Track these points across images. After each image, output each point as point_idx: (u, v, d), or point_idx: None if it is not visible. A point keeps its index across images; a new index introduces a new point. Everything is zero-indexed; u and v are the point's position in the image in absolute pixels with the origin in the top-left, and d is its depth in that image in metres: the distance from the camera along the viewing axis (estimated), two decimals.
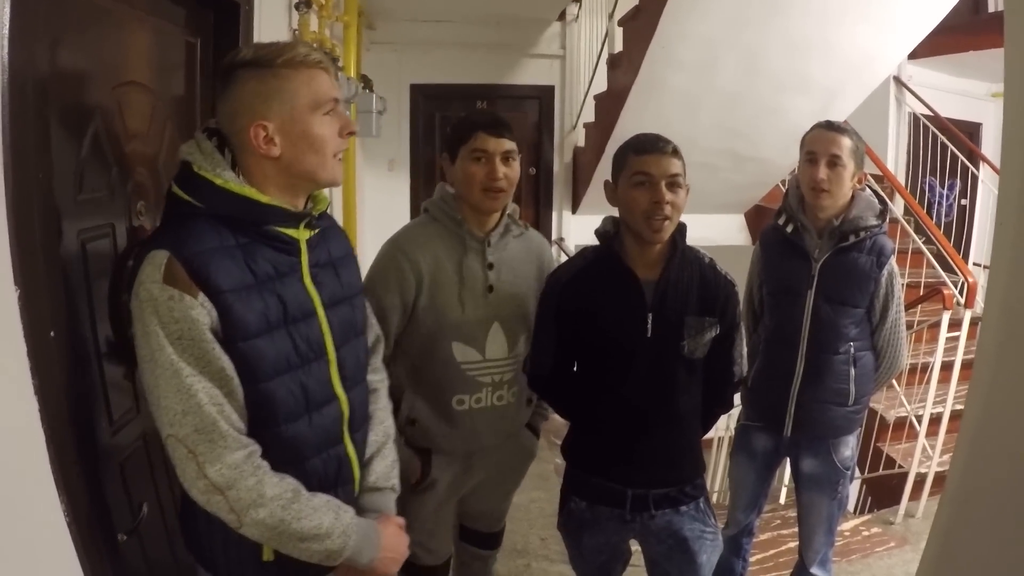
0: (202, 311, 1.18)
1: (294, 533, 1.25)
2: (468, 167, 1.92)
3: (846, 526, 3.59)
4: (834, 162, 2.22)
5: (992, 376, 0.97)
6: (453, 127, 2.02)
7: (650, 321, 1.86)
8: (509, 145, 1.95)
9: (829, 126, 2.28)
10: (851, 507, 4.42)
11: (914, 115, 5.87)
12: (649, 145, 1.83)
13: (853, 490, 4.45)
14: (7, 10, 1.01)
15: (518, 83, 5.74)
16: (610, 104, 4.32)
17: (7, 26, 1.02)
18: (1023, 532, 0.88)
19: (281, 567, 1.33)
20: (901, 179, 6.03)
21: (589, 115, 5.18)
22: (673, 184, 1.80)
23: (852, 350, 2.32)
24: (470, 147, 1.92)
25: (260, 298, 1.27)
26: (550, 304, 1.99)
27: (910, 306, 4.08)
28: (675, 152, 1.83)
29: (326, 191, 1.48)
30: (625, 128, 3.98)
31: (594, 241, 1.97)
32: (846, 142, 2.24)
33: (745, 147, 4.15)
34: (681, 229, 1.90)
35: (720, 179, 4.54)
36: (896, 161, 6.04)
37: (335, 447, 1.42)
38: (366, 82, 4.48)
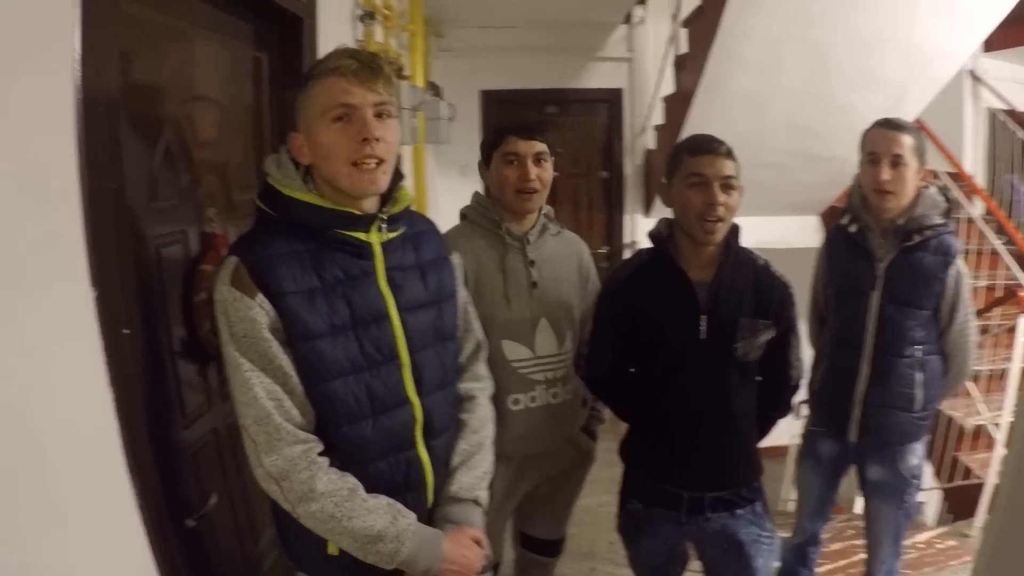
0: (260, 312, 1.25)
1: (346, 531, 1.29)
2: (502, 170, 1.99)
3: (920, 538, 3.46)
4: (897, 162, 2.17)
5: None
6: (488, 134, 2.09)
7: (703, 323, 1.86)
8: (540, 147, 2.00)
9: (889, 124, 2.22)
10: (930, 518, 4.27)
11: (991, 110, 5.62)
12: (703, 146, 1.83)
13: (933, 501, 4.30)
14: (78, 33, 1.11)
15: (587, 87, 5.74)
16: (678, 106, 4.30)
17: (79, 48, 1.11)
18: None
19: (346, 564, 1.35)
20: (979, 177, 5.79)
21: (659, 118, 5.16)
22: (727, 186, 1.80)
23: (919, 353, 2.25)
24: (502, 151, 1.99)
25: (325, 301, 1.31)
26: (606, 305, 2.02)
27: (987, 309, 3.93)
28: (729, 153, 1.83)
29: (409, 190, 1.48)
30: (693, 129, 3.95)
31: None
32: (907, 140, 2.18)
33: (816, 146, 4.06)
34: (735, 230, 1.89)
35: (792, 179, 4.45)
36: (974, 158, 5.77)
37: (405, 452, 1.41)
38: (435, 89, 4.57)
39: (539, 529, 2.35)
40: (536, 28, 5.41)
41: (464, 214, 2.11)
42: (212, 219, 1.77)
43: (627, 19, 5.53)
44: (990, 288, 4.43)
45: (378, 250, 1.38)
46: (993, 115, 5.66)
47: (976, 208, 4.70)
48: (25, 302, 1.07)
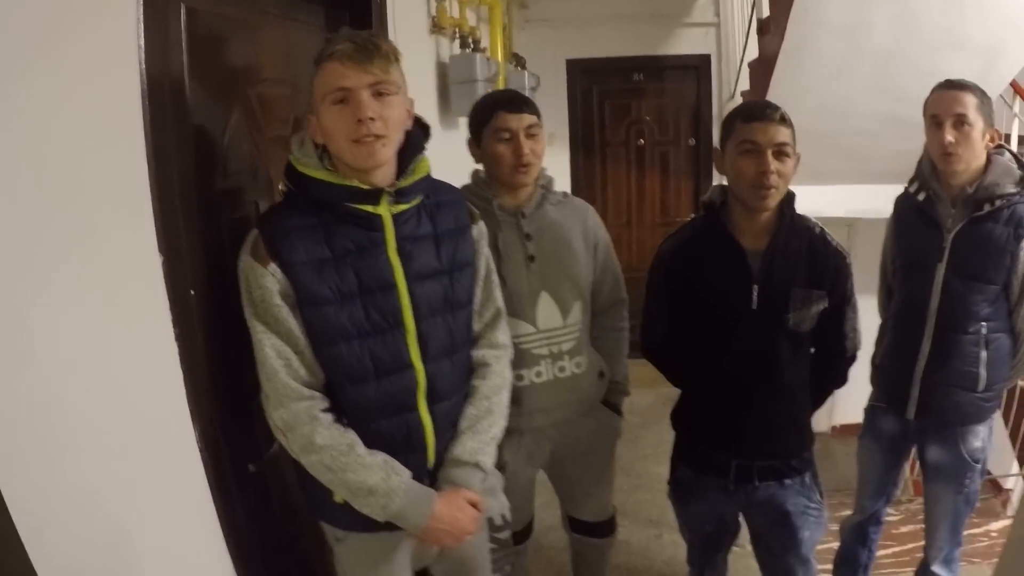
0: (272, 279, 1.38)
1: (342, 483, 1.42)
2: (494, 147, 1.95)
3: (995, 526, 3.31)
4: (961, 121, 2.08)
5: None
6: (475, 110, 2.04)
7: (755, 292, 1.85)
8: (530, 119, 1.96)
9: (950, 85, 2.13)
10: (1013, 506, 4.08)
11: None
12: (757, 112, 1.80)
13: (1017, 488, 4.10)
14: (142, 28, 1.25)
15: (674, 53, 5.64)
16: (762, 72, 4.18)
17: (143, 40, 1.25)
18: None
19: (349, 512, 1.47)
20: None
21: (746, 84, 5.04)
22: (780, 153, 1.76)
23: (984, 330, 2.17)
24: (493, 127, 1.94)
25: (334, 270, 1.41)
26: (659, 273, 2.02)
27: None
28: (783, 119, 1.78)
29: (428, 159, 1.55)
30: (777, 95, 3.85)
31: None
32: (970, 99, 2.08)
33: (906, 111, 3.83)
34: (790, 198, 1.86)
35: (884, 146, 4.25)
36: None
37: (406, 414, 1.50)
38: (518, 60, 4.63)
39: (585, 512, 2.34)
40: None
41: (463, 196, 2.12)
42: (283, 191, 1.91)
43: None
44: None
45: (388, 222, 1.46)
46: None
47: None
48: (103, 267, 1.23)
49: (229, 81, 1.69)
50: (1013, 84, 3.94)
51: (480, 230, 1.66)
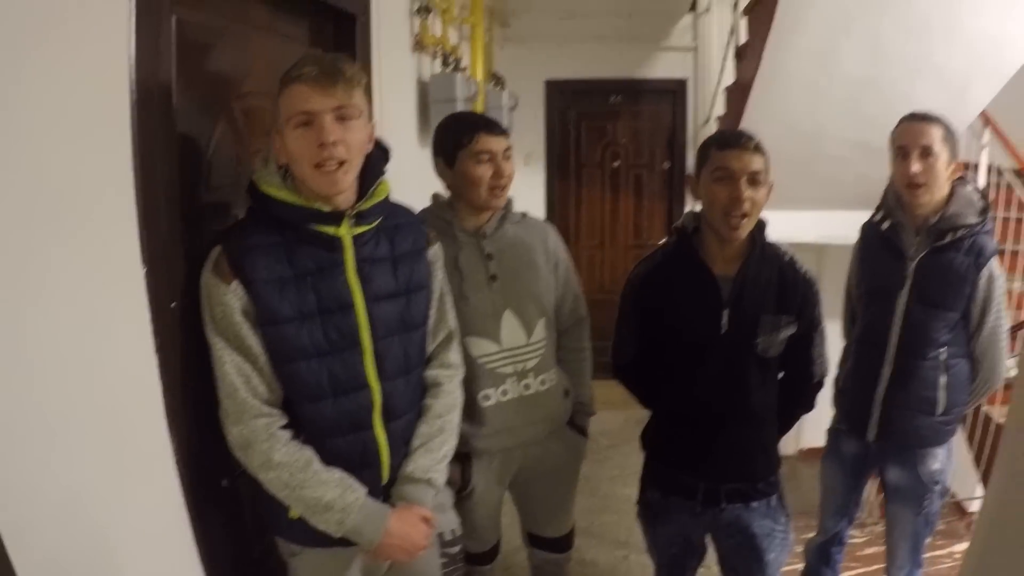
0: (234, 297, 1.39)
1: (299, 499, 1.44)
2: (473, 169, 1.94)
3: (958, 548, 3.37)
4: (926, 153, 2.14)
5: None
6: (446, 131, 2.04)
7: (725, 317, 1.87)
8: (508, 142, 1.99)
9: (916, 117, 2.19)
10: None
11: None
12: (731, 140, 1.84)
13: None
14: (133, 39, 1.25)
15: (652, 77, 5.73)
16: (738, 96, 4.26)
17: (135, 49, 1.25)
18: None
19: (305, 528, 1.49)
20: None
21: (722, 109, 5.12)
22: (754, 181, 1.79)
23: (943, 356, 2.22)
24: (473, 149, 1.94)
25: (294, 289, 1.44)
26: (630, 296, 2.05)
27: None
28: (757, 148, 1.82)
29: (388, 182, 1.58)
30: (752, 120, 3.93)
31: None
32: (936, 131, 2.14)
33: (878, 138, 3.92)
34: (761, 225, 1.90)
35: (854, 172, 4.34)
36: None
37: (362, 432, 1.53)
38: (497, 80, 4.66)
39: (545, 527, 2.34)
40: (602, 17, 5.43)
41: (421, 218, 2.08)
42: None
43: (693, 7, 5.49)
44: None
45: (348, 243, 1.49)
46: None
47: None
48: (86, 276, 1.22)
49: (215, 93, 1.70)
50: (983, 115, 4.05)
51: (436, 252, 1.70)
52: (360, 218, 1.50)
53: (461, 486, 2.06)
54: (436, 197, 2.09)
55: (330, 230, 1.47)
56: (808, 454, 5.79)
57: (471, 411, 1.99)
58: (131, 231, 1.32)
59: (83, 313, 1.21)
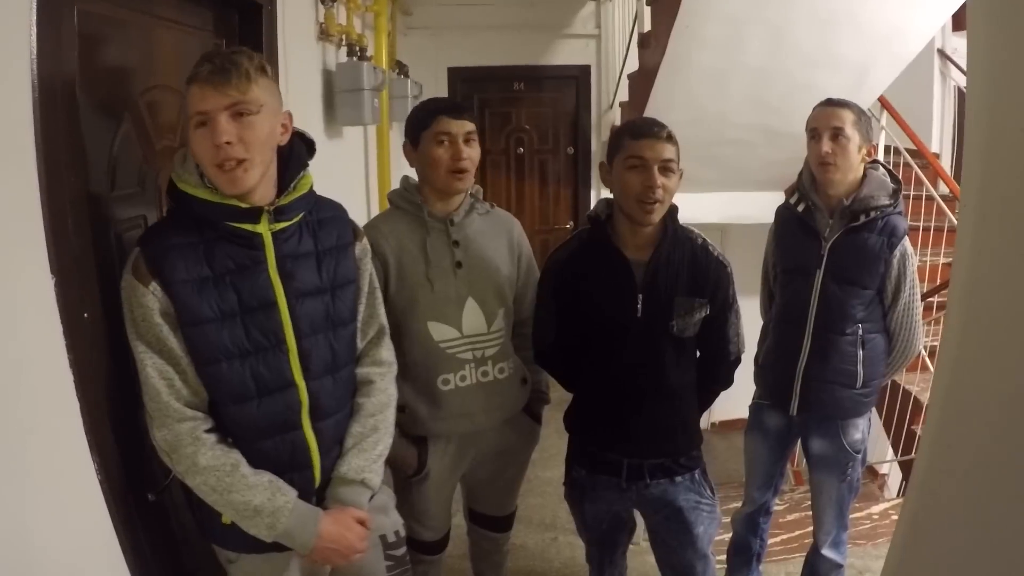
0: (152, 299, 1.35)
1: (228, 504, 1.41)
2: (433, 151, 1.97)
3: (876, 509, 3.56)
4: (837, 134, 2.22)
5: (953, 365, 0.99)
6: (414, 114, 2.06)
7: (640, 301, 1.92)
8: (470, 126, 2.00)
9: (830, 102, 2.28)
10: (892, 490, 4.40)
11: (959, 89, 5.69)
12: (645, 129, 1.88)
13: (895, 474, 4.43)
14: (35, 31, 1.15)
15: (555, 63, 5.77)
16: (641, 83, 4.33)
17: (35, 47, 1.16)
18: (983, 517, 0.91)
19: (239, 534, 1.45)
20: (947, 154, 5.88)
21: (625, 95, 5.20)
22: (666, 168, 1.85)
23: (860, 331, 2.32)
24: (433, 131, 1.96)
25: (214, 289, 1.40)
26: (547, 283, 2.08)
27: (945, 285, 4.03)
28: (670, 137, 1.87)
29: (311, 175, 1.56)
30: (656, 106, 4.00)
31: None
32: (847, 115, 2.23)
33: (779, 122, 4.10)
34: (673, 211, 1.95)
35: (757, 156, 4.50)
36: (942, 136, 5.88)
37: (290, 432, 1.50)
38: (401, 68, 4.59)
39: (487, 506, 2.39)
40: (505, 5, 5.43)
41: (390, 199, 2.12)
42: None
43: None
44: (948, 264, 4.53)
45: (268, 240, 1.46)
46: (962, 93, 5.68)
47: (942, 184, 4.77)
48: None
49: (119, 88, 1.61)
50: (881, 99, 4.24)
51: (363, 247, 1.67)
52: (280, 213, 1.47)
53: (416, 469, 2.07)
54: (405, 180, 2.10)
55: (248, 227, 1.44)
56: (721, 427, 6.02)
57: (430, 395, 2.03)
58: (38, 240, 1.23)
59: None
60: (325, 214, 1.59)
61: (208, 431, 1.41)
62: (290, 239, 1.49)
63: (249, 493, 1.41)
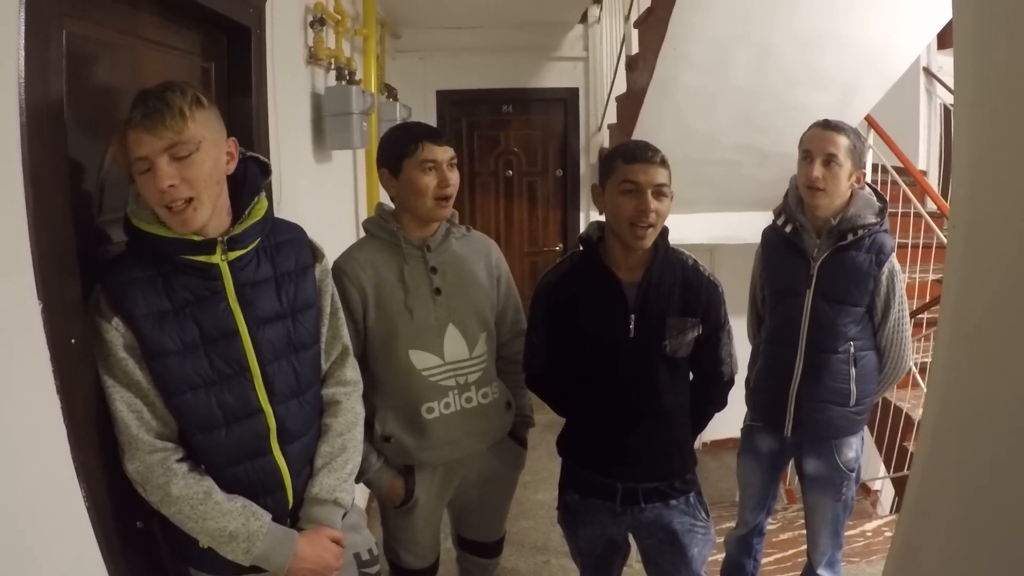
0: (116, 334, 1.37)
1: (203, 531, 1.42)
2: (418, 178, 1.95)
3: (869, 526, 3.58)
4: (830, 160, 2.24)
5: (945, 381, 1.00)
6: (391, 141, 2.04)
7: (632, 322, 1.93)
8: (451, 152, 2.01)
9: (826, 125, 2.29)
10: (884, 507, 4.39)
11: (946, 106, 5.76)
12: (638, 153, 1.89)
13: (886, 490, 4.42)
14: (23, 55, 1.15)
15: (543, 86, 5.82)
16: (629, 105, 4.37)
17: (23, 72, 1.15)
18: (978, 534, 0.91)
19: (218, 558, 1.46)
20: (934, 171, 5.93)
21: (613, 117, 5.24)
22: (659, 193, 1.87)
23: (852, 350, 2.33)
24: (418, 159, 1.95)
25: (175, 321, 1.41)
26: (540, 306, 2.08)
27: (934, 302, 4.06)
28: (663, 162, 1.89)
29: (265, 201, 1.56)
30: (644, 129, 4.03)
31: None
32: (843, 141, 2.24)
33: (767, 143, 4.15)
34: (664, 233, 1.96)
35: (745, 176, 4.54)
36: (928, 154, 5.94)
37: (260, 458, 1.52)
38: (390, 91, 4.61)
39: (475, 532, 2.36)
40: (493, 28, 5.47)
41: (365, 228, 2.10)
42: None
43: (583, 18, 5.60)
44: (937, 281, 4.55)
45: (225, 270, 1.48)
46: (948, 111, 5.74)
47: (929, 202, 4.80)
48: None
49: (106, 111, 1.59)
50: (868, 118, 4.29)
51: (324, 268, 1.68)
52: (235, 242, 1.48)
53: (404, 498, 2.06)
54: (380, 207, 2.08)
55: (203, 259, 1.45)
56: (712, 446, 6.01)
57: (415, 424, 2.02)
58: (25, 265, 1.21)
59: None
60: (282, 237, 1.60)
61: (180, 460, 1.43)
62: (247, 266, 1.51)
63: (223, 520, 1.43)
